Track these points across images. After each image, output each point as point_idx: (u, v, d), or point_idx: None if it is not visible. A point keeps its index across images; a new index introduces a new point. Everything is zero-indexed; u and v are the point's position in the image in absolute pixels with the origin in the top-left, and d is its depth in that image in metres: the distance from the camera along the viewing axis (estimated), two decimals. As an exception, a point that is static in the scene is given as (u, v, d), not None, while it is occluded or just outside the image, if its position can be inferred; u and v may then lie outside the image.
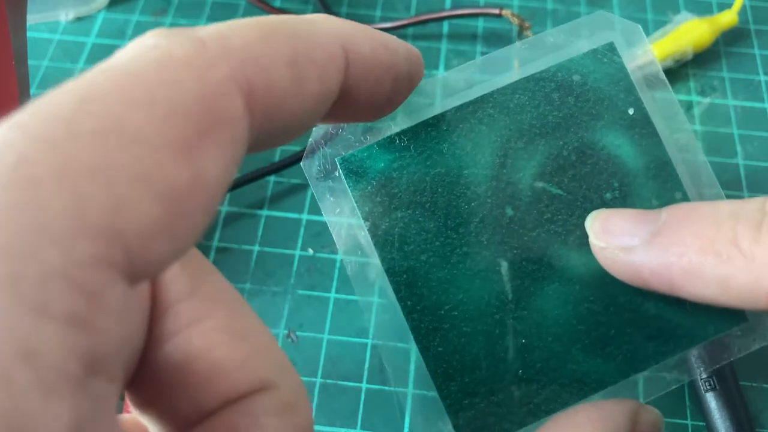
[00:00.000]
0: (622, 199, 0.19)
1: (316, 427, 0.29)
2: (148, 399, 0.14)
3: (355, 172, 0.19)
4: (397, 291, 0.18)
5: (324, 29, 0.14)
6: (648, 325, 0.18)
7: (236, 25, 0.13)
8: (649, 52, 0.38)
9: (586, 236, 0.18)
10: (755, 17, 0.41)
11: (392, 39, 0.16)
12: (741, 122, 0.37)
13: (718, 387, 0.28)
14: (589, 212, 0.19)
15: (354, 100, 0.16)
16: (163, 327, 0.14)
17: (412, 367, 0.18)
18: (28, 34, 0.28)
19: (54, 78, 0.39)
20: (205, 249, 0.33)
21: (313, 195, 0.35)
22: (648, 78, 0.19)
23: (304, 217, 0.34)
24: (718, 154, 0.36)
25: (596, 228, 0.18)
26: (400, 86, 0.16)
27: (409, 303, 0.18)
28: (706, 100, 0.38)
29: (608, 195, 0.19)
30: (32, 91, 0.38)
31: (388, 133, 0.19)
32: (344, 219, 0.18)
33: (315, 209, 0.35)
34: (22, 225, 0.09)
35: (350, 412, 0.29)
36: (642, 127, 0.19)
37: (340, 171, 0.19)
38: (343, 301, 0.32)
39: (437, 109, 0.19)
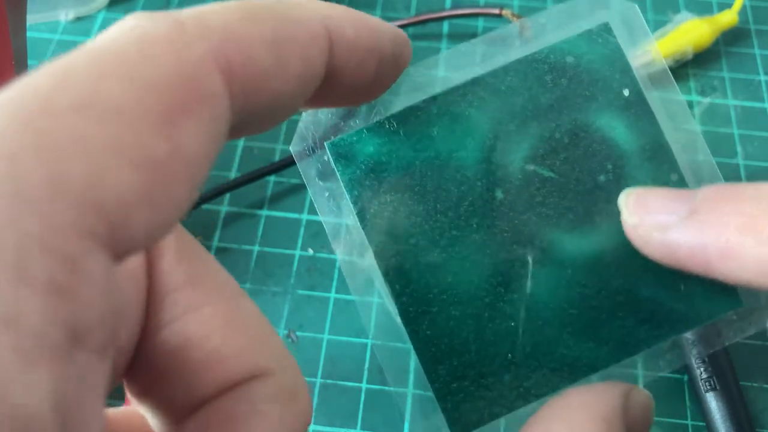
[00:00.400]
0: (616, 182, 0.18)
1: (316, 427, 0.29)
2: (145, 387, 0.14)
3: (344, 156, 0.19)
4: (385, 274, 0.18)
5: (307, 10, 0.14)
6: (641, 309, 0.18)
7: (217, 6, 0.13)
8: (649, 52, 0.38)
9: (579, 219, 0.18)
10: (755, 17, 0.41)
11: (377, 21, 0.16)
12: (741, 122, 0.37)
13: (718, 387, 0.28)
14: (581, 195, 0.18)
15: (339, 83, 0.15)
16: (161, 315, 0.14)
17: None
18: (28, 34, 0.28)
19: (54, 78, 0.39)
20: (206, 249, 0.33)
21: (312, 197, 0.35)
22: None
23: (304, 217, 0.34)
24: (719, 154, 0.36)
25: (630, 204, 0.18)
26: (386, 69, 0.16)
27: (397, 286, 0.18)
28: (707, 100, 0.38)
29: (602, 177, 0.18)
30: (32, 91, 0.38)
31: (378, 118, 0.19)
32: (334, 203, 0.19)
33: (314, 209, 0.35)
34: (1, 195, 0.09)
35: (350, 412, 0.29)
36: (637, 108, 0.19)
37: (330, 155, 0.19)
38: (343, 301, 0.32)
39: (428, 93, 0.19)
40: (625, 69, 0.19)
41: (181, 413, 0.14)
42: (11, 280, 0.09)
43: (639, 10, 0.19)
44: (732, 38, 0.40)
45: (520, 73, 0.19)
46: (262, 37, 0.13)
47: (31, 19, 0.41)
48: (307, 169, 0.19)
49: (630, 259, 0.18)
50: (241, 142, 0.37)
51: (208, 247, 0.33)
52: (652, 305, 0.18)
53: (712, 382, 0.28)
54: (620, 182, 0.18)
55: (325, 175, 0.19)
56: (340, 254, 0.19)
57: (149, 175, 0.10)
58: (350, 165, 0.19)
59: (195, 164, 0.11)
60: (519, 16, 0.37)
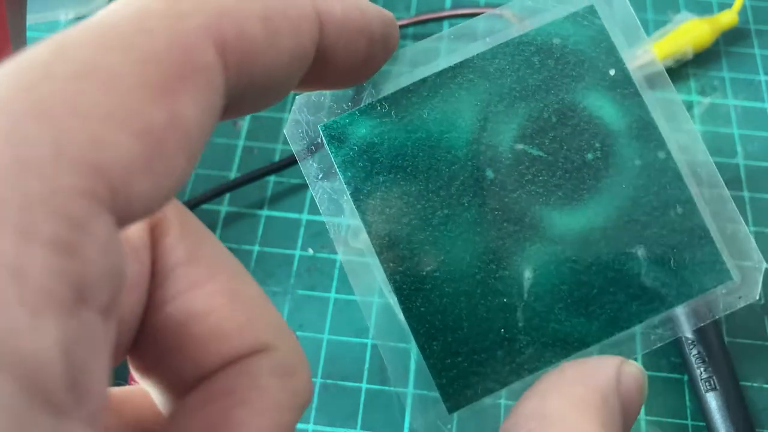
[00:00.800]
0: (604, 159, 0.19)
1: (316, 427, 0.29)
2: (149, 363, 0.14)
3: (337, 138, 0.19)
4: (379, 253, 0.19)
5: None
6: (632, 284, 0.18)
7: None
8: (649, 51, 0.38)
9: (568, 196, 0.19)
10: (755, 17, 0.41)
11: (366, 2, 0.16)
12: (741, 122, 0.37)
13: (718, 387, 0.28)
14: (570, 173, 0.19)
15: (330, 63, 0.16)
16: (164, 291, 0.14)
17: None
18: (28, 34, 0.28)
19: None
20: (205, 249, 0.33)
21: (313, 195, 0.35)
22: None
23: (304, 217, 0.34)
24: (719, 153, 0.36)
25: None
26: (375, 49, 0.17)
27: (391, 264, 0.19)
28: (707, 100, 0.38)
29: (590, 155, 0.19)
30: (32, 91, 0.38)
31: (370, 100, 0.19)
32: (327, 183, 0.19)
33: (315, 209, 0.35)
34: (3, 157, 0.09)
35: (350, 412, 0.29)
36: (623, 87, 0.19)
37: (323, 137, 0.19)
38: (343, 301, 0.32)
39: (417, 76, 0.20)
40: (610, 49, 0.19)
41: (184, 388, 0.14)
42: (17, 235, 0.09)
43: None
44: (732, 38, 0.40)
45: (508, 55, 0.20)
46: (254, 12, 0.13)
47: (31, 19, 0.41)
48: (300, 152, 0.19)
49: (620, 235, 0.18)
50: (241, 142, 0.37)
51: (208, 247, 0.33)
52: (643, 280, 0.18)
53: (712, 381, 0.28)
54: (608, 160, 0.19)
55: (319, 157, 0.19)
56: (325, 217, 0.19)
57: (148, 142, 0.11)
58: (343, 146, 0.19)
59: (192, 133, 0.12)
60: (519, 17, 0.37)
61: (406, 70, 0.20)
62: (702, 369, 0.28)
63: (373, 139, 0.19)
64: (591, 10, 0.20)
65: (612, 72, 0.19)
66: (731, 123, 0.37)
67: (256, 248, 0.33)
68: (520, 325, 0.18)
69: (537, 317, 0.18)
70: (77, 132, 0.10)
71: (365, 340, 0.31)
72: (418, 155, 0.19)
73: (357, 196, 0.19)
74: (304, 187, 0.35)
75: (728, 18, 0.39)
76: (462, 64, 0.20)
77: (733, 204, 0.19)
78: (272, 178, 0.35)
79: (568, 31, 0.19)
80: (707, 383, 0.28)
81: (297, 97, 0.19)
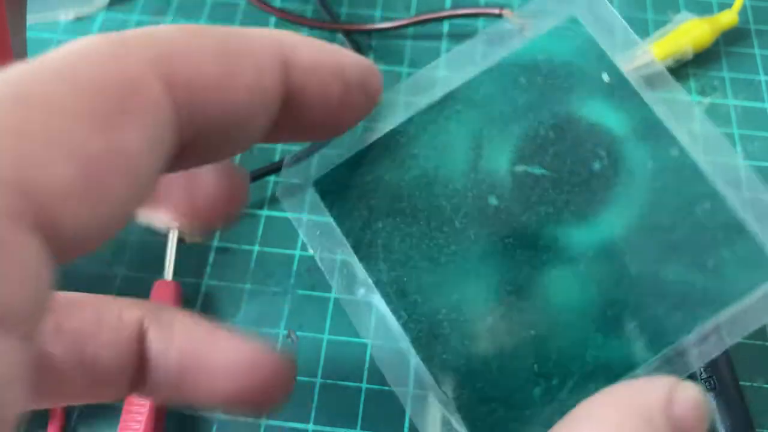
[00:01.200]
0: (613, 167, 0.18)
1: (317, 427, 0.29)
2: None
3: (330, 191, 0.19)
4: (388, 303, 0.17)
5: (259, 32, 0.14)
6: (669, 294, 0.17)
7: (166, 25, 0.13)
8: (648, 52, 0.38)
9: (581, 211, 0.17)
10: (755, 17, 0.41)
11: (338, 47, 0.16)
12: (741, 122, 0.37)
13: (717, 387, 0.28)
14: (578, 186, 0.17)
15: (303, 108, 0.15)
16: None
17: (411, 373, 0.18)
18: (28, 34, 0.28)
19: (54, 78, 0.39)
20: (205, 249, 0.33)
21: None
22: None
23: (305, 217, 0.34)
24: (718, 153, 0.36)
25: None
26: (353, 96, 0.16)
27: (403, 313, 0.17)
28: (707, 100, 0.38)
29: (597, 165, 0.18)
30: (32, 91, 0.38)
31: (359, 148, 0.19)
32: (325, 239, 0.18)
33: (315, 210, 0.35)
34: None
35: (350, 412, 0.29)
36: (620, 90, 0.18)
37: (316, 193, 0.19)
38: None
39: (403, 117, 0.19)
40: (601, 56, 0.18)
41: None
42: None
43: (612, 7, 0.19)
44: (732, 38, 0.40)
45: (493, 79, 0.19)
46: (206, 48, 0.13)
47: (31, 19, 0.41)
48: (294, 211, 0.19)
49: (645, 244, 0.17)
50: (241, 142, 0.37)
51: (209, 247, 0.33)
52: (681, 287, 0.17)
53: (711, 381, 0.28)
54: (617, 166, 0.18)
55: (313, 212, 0.19)
56: (337, 291, 0.18)
57: (84, 169, 0.11)
58: (337, 200, 0.18)
59: (134, 165, 0.12)
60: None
61: (387, 112, 0.19)
62: (701, 369, 0.28)
63: (367, 186, 0.18)
64: (573, 21, 0.19)
65: (606, 77, 0.18)
66: (731, 123, 0.37)
67: (256, 248, 0.33)
68: (554, 357, 0.17)
69: (571, 346, 0.17)
70: (9, 151, 0.10)
71: (365, 340, 0.31)
72: (415, 195, 0.18)
73: (358, 247, 0.18)
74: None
75: (728, 18, 0.39)
76: (447, 97, 0.19)
77: None
78: (272, 178, 0.35)
79: (553, 45, 0.19)
80: (707, 383, 0.28)
81: (285, 157, 0.19)
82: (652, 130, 0.18)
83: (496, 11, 0.38)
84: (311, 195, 0.19)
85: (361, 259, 0.18)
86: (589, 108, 0.18)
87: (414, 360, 0.17)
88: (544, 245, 0.17)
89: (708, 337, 0.17)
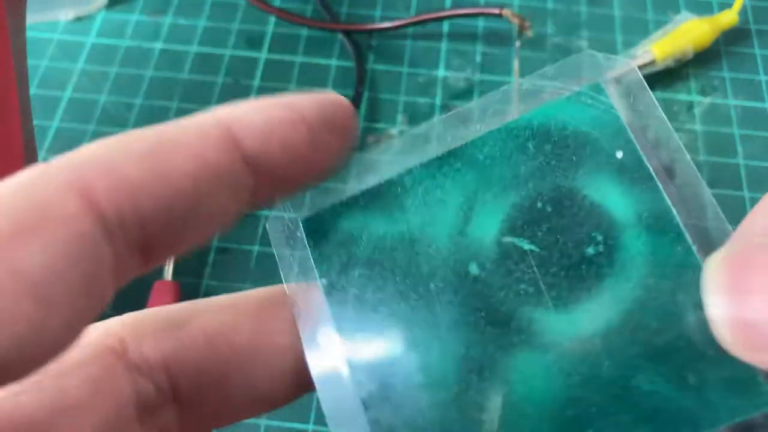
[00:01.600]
0: (608, 254, 0.16)
1: (317, 427, 0.29)
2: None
3: (316, 231, 0.18)
4: (348, 353, 0.17)
5: (196, 119, 0.14)
6: (640, 405, 0.15)
7: (91, 143, 0.14)
8: (649, 52, 0.38)
9: (563, 297, 0.16)
10: (756, 17, 0.41)
11: (293, 95, 0.16)
12: (741, 122, 0.37)
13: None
14: (566, 270, 0.16)
15: (275, 169, 0.15)
16: None
17: None
18: (28, 33, 0.28)
19: (53, 77, 0.39)
20: (205, 249, 0.33)
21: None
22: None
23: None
24: (719, 153, 0.36)
25: (722, 281, 0.14)
26: (322, 137, 0.16)
27: (359, 366, 0.17)
28: (707, 100, 0.38)
29: (591, 249, 0.16)
30: (31, 90, 0.38)
31: (352, 193, 0.18)
32: (302, 278, 0.18)
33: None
34: None
35: (350, 412, 0.29)
36: (634, 171, 0.17)
37: (303, 231, 0.18)
38: (343, 301, 0.32)
39: (403, 167, 0.18)
40: (619, 130, 0.17)
41: None
42: None
43: (638, 70, 0.17)
44: (732, 38, 0.40)
45: (500, 141, 0.18)
46: (130, 153, 0.13)
47: (31, 18, 0.40)
48: (279, 244, 0.18)
49: (626, 343, 0.16)
50: (240, 142, 0.37)
51: (208, 248, 0.33)
52: (655, 401, 0.15)
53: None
54: (612, 254, 0.16)
55: (298, 252, 0.18)
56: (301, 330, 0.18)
57: None
58: (322, 240, 0.18)
59: (41, 280, 0.12)
60: (519, 16, 0.37)
61: (395, 159, 0.19)
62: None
63: (353, 232, 0.18)
64: (597, 89, 0.17)
65: (620, 154, 0.17)
66: (731, 123, 0.37)
67: (257, 248, 0.33)
68: None
69: None
70: None
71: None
72: (397, 249, 0.17)
73: (329, 290, 0.17)
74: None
75: (728, 18, 0.39)
76: (450, 154, 0.18)
77: None
78: (272, 178, 0.35)
79: (570, 112, 0.17)
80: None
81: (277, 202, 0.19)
82: (660, 220, 0.16)
83: (496, 11, 0.38)
84: (299, 232, 0.18)
85: (329, 302, 0.17)
86: (596, 186, 0.17)
87: (360, 419, 0.17)
88: (516, 326, 0.16)
89: None
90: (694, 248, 0.16)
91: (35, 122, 0.27)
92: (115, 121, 0.37)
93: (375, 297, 0.17)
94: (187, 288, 0.32)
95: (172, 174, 0.14)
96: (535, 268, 0.16)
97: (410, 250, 0.17)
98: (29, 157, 0.25)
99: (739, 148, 0.36)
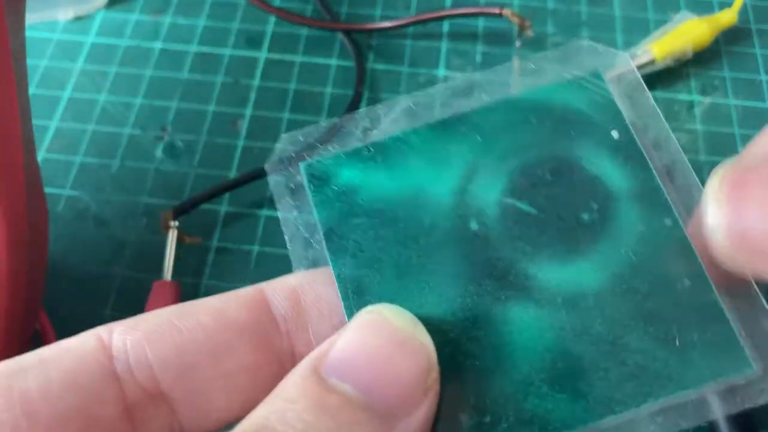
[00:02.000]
0: (601, 221, 0.17)
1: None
2: None
3: (318, 177, 0.18)
4: (344, 298, 0.17)
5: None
6: (627, 362, 0.16)
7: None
8: (649, 51, 0.38)
9: (558, 257, 0.17)
10: (756, 16, 0.41)
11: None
12: (742, 122, 0.37)
13: (719, 387, 0.28)
14: (562, 232, 0.17)
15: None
16: None
17: None
18: (27, 33, 0.27)
19: (52, 77, 0.39)
20: (205, 249, 0.33)
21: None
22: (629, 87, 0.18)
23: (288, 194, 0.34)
24: (719, 153, 0.36)
25: (724, 193, 0.14)
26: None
27: (354, 311, 0.17)
28: (707, 100, 0.38)
29: (585, 216, 0.17)
30: (31, 90, 0.38)
31: (358, 144, 0.18)
32: (300, 222, 0.18)
33: (299, 193, 0.34)
34: None
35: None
36: (627, 150, 0.18)
37: (303, 175, 0.18)
38: (343, 301, 0.32)
39: (408, 125, 0.19)
40: (615, 114, 0.18)
41: None
42: None
43: (631, 60, 0.19)
44: (732, 38, 0.40)
45: (504, 111, 0.19)
46: (156, 311, 0.17)
47: (30, 18, 0.40)
48: (278, 189, 0.18)
49: (616, 304, 0.16)
50: (240, 142, 0.37)
51: (208, 247, 0.33)
52: (641, 358, 0.16)
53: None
54: (605, 222, 0.17)
55: (296, 196, 0.18)
56: (294, 265, 0.18)
57: None
58: (323, 187, 0.18)
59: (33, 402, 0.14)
60: (519, 16, 0.37)
61: (399, 118, 0.19)
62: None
63: (355, 182, 0.18)
64: (597, 76, 0.19)
65: (615, 134, 0.18)
66: (732, 123, 0.37)
67: (256, 248, 0.33)
68: (493, 394, 0.16)
69: (513, 387, 0.16)
70: None
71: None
72: (399, 201, 0.18)
73: (330, 236, 0.18)
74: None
75: (728, 17, 0.39)
76: (455, 117, 0.19)
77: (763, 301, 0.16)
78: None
79: (571, 93, 0.19)
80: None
81: (282, 135, 0.19)
82: (650, 195, 0.18)
83: (496, 11, 0.37)
84: (296, 175, 0.19)
85: (329, 249, 0.18)
86: (592, 160, 0.18)
87: None
88: (512, 281, 0.17)
89: (657, 416, 0.16)
90: (681, 222, 0.17)
91: (34, 122, 0.27)
92: (114, 121, 0.37)
93: (375, 245, 0.17)
94: (187, 287, 0.32)
95: (187, 324, 0.15)
96: (533, 228, 0.17)
97: (412, 203, 0.18)
98: (28, 156, 0.25)
99: (740, 148, 0.36)
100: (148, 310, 0.30)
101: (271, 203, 0.35)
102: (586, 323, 0.16)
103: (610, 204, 0.18)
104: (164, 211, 0.33)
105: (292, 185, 0.19)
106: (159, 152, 0.36)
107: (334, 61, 0.40)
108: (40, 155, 0.36)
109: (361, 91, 0.37)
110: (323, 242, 0.18)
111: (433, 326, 0.16)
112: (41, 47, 0.40)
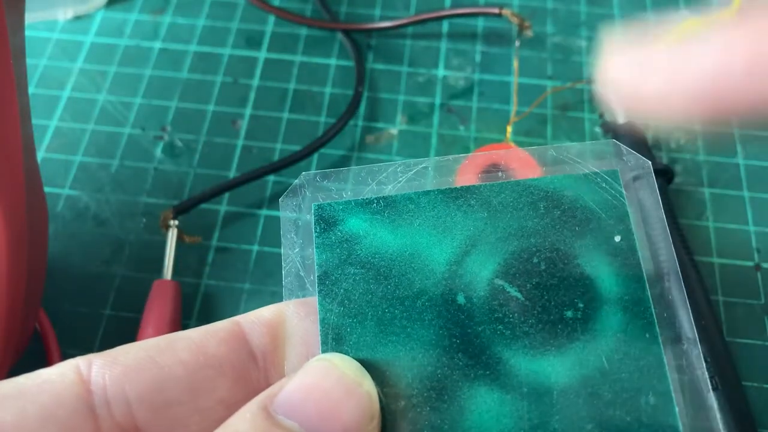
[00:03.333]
0: (583, 322, 0.18)
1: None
2: None
3: (326, 220, 0.19)
4: (324, 342, 0.18)
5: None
6: None
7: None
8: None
9: (534, 347, 0.18)
10: (755, 16, 0.41)
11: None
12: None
13: (720, 387, 0.28)
14: (543, 324, 0.18)
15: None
16: None
17: None
18: (27, 32, 0.27)
19: (52, 77, 0.39)
20: (204, 249, 0.33)
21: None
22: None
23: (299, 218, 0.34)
24: (719, 153, 0.36)
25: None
26: None
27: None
28: (706, 100, 0.38)
29: (569, 313, 0.18)
30: (30, 90, 0.38)
31: (371, 195, 0.19)
32: (299, 259, 0.19)
33: (305, 230, 0.34)
34: None
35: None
36: (625, 257, 0.18)
37: (313, 215, 0.19)
38: (343, 301, 0.32)
39: (420, 187, 0.19)
40: (622, 217, 0.19)
41: None
42: None
43: (652, 169, 0.19)
44: (732, 38, 0.40)
45: (516, 193, 0.19)
46: (137, 345, 0.17)
47: (30, 17, 0.40)
48: (286, 224, 0.19)
49: (577, 406, 0.17)
50: (240, 142, 0.37)
51: (208, 247, 0.33)
52: None
53: (714, 381, 0.28)
54: (587, 323, 0.18)
55: (300, 233, 0.19)
56: (286, 291, 0.19)
57: None
58: (328, 230, 0.19)
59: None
60: (519, 16, 0.37)
61: (419, 177, 0.19)
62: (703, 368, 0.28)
63: (359, 232, 0.19)
64: (613, 174, 0.19)
65: (618, 238, 0.19)
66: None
67: (256, 248, 0.33)
68: None
69: None
70: None
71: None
72: (395, 260, 0.18)
73: (323, 280, 0.18)
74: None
75: (727, 17, 0.39)
76: (467, 189, 0.19)
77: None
78: (271, 178, 0.35)
79: (584, 188, 0.19)
80: (709, 383, 0.28)
81: (303, 173, 0.20)
82: (637, 307, 0.18)
83: (496, 10, 0.37)
84: (307, 214, 0.19)
85: (319, 292, 0.18)
86: (589, 259, 0.18)
87: None
88: (485, 361, 0.18)
89: None
90: (660, 340, 0.18)
91: (34, 121, 0.27)
92: (114, 121, 0.37)
93: (364, 298, 0.18)
94: (187, 287, 0.32)
95: (167, 360, 0.16)
96: (516, 314, 0.18)
97: (407, 265, 0.18)
98: (28, 156, 0.25)
99: (739, 148, 0.36)
100: (148, 309, 0.30)
101: (270, 203, 0.35)
102: (544, 417, 0.17)
103: (596, 306, 0.18)
104: (164, 211, 0.33)
105: (299, 222, 0.19)
106: (159, 152, 0.36)
107: (333, 61, 0.40)
108: (40, 155, 0.36)
109: (361, 91, 0.37)
110: (316, 284, 0.18)
111: (399, 388, 0.17)
112: (41, 47, 0.40)
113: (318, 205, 0.19)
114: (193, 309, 0.32)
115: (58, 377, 0.15)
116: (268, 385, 0.17)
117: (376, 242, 0.19)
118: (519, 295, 0.18)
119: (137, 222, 0.34)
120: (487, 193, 0.19)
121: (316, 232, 0.19)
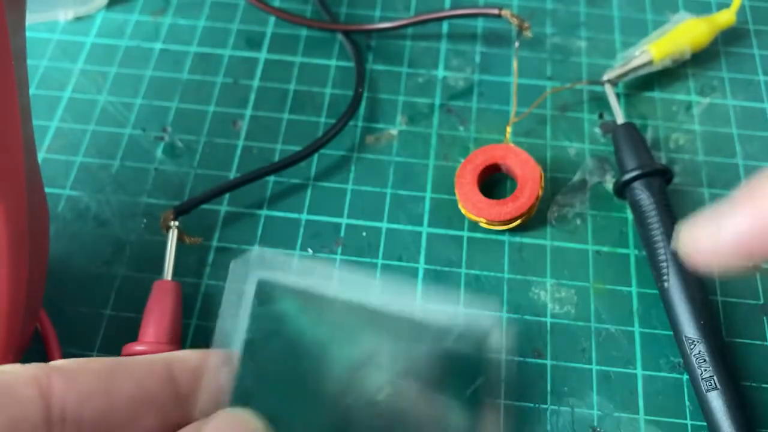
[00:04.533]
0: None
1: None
2: None
3: (264, 295, 0.21)
4: (234, 398, 0.19)
5: (150, 356, 0.20)
6: None
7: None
8: (648, 52, 0.37)
9: None
10: (754, 17, 0.41)
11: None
12: (741, 122, 0.37)
13: (719, 387, 0.28)
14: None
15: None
16: None
17: None
18: (27, 33, 0.28)
19: (53, 77, 0.39)
20: (204, 249, 0.33)
21: (312, 195, 0.35)
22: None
23: (303, 217, 0.34)
24: (718, 154, 0.36)
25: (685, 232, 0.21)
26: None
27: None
28: (706, 100, 0.38)
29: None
30: (31, 91, 0.38)
31: (309, 287, 0.21)
32: (232, 319, 0.20)
33: (314, 210, 0.35)
34: None
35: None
36: (476, 409, 0.20)
37: (254, 289, 0.21)
38: (343, 301, 0.32)
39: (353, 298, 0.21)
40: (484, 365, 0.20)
41: None
42: None
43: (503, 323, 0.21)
44: (731, 38, 0.40)
45: (414, 328, 0.21)
46: (93, 369, 0.18)
47: (31, 18, 0.40)
48: (230, 295, 0.20)
49: None
50: (240, 142, 0.37)
51: (208, 247, 0.33)
52: None
53: (713, 381, 0.28)
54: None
55: (239, 302, 0.20)
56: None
57: None
58: (263, 304, 0.20)
59: None
60: (518, 16, 0.37)
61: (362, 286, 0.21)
62: (703, 369, 0.28)
63: (289, 314, 0.21)
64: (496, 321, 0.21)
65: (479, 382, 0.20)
66: (730, 123, 0.37)
67: (256, 248, 0.33)
68: None
69: None
70: None
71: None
72: (309, 351, 0.20)
73: (248, 347, 0.20)
74: (303, 187, 0.35)
75: (726, 17, 0.39)
76: (384, 314, 0.21)
77: None
78: (272, 178, 0.35)
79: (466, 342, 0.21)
80: (708, 383, 0.28)
81: (253, 251, 0.21)
82: None
83: (495, 11, 0.38)
84: (252, 286, 0.21)
85: (242, 356, 0.20)
86: (448, 390, 0.20)
87: None
88: None
89: None
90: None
91: (35, 122, 0.27)
92: (114, 121, 0.37)
93: (278, 374, 0.20)
94: (187, 287, 0.32)
95: (115, 392, 0.18)
96: (399, 426, 0.20)
97: (318, 355, 0.20)
98: (28, 157, 0.25)
99: (738, 148, 0.36)
100: (149, 309, 0.30)
101: (270, 203, 0.35)
102: None
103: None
104: (164, 211, 0.33)
105: (243, 289, 0.21)
106: (159, 152, 0.36)
107: (333, 62, 0.40)
108: (41, 155, 0.36)
109: (361, 92, 0.37)
110: (241, 349, 0.20)
111: None
112: (41, 47, 0.40)
113: (262, 281, 0.21)
114: (194, 309, 0.32)
115: (23, 389, 0.16)
116: (187, 422, 0.19)
117: (300, 329, 0.20)
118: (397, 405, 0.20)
119: (138, 222, 0.34)
120: (394, 323, 0.21)
121: (254, 304, 0.20)
